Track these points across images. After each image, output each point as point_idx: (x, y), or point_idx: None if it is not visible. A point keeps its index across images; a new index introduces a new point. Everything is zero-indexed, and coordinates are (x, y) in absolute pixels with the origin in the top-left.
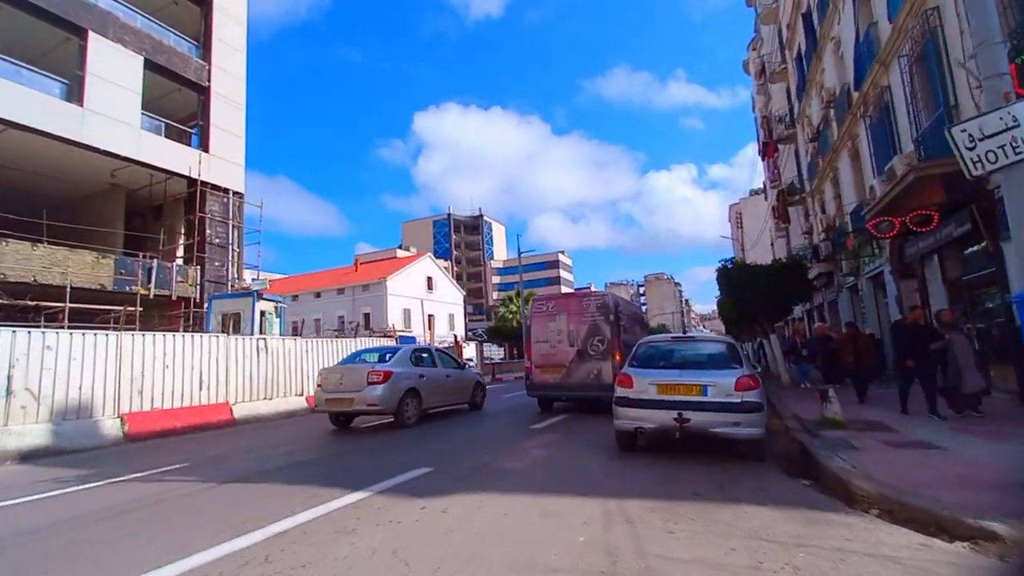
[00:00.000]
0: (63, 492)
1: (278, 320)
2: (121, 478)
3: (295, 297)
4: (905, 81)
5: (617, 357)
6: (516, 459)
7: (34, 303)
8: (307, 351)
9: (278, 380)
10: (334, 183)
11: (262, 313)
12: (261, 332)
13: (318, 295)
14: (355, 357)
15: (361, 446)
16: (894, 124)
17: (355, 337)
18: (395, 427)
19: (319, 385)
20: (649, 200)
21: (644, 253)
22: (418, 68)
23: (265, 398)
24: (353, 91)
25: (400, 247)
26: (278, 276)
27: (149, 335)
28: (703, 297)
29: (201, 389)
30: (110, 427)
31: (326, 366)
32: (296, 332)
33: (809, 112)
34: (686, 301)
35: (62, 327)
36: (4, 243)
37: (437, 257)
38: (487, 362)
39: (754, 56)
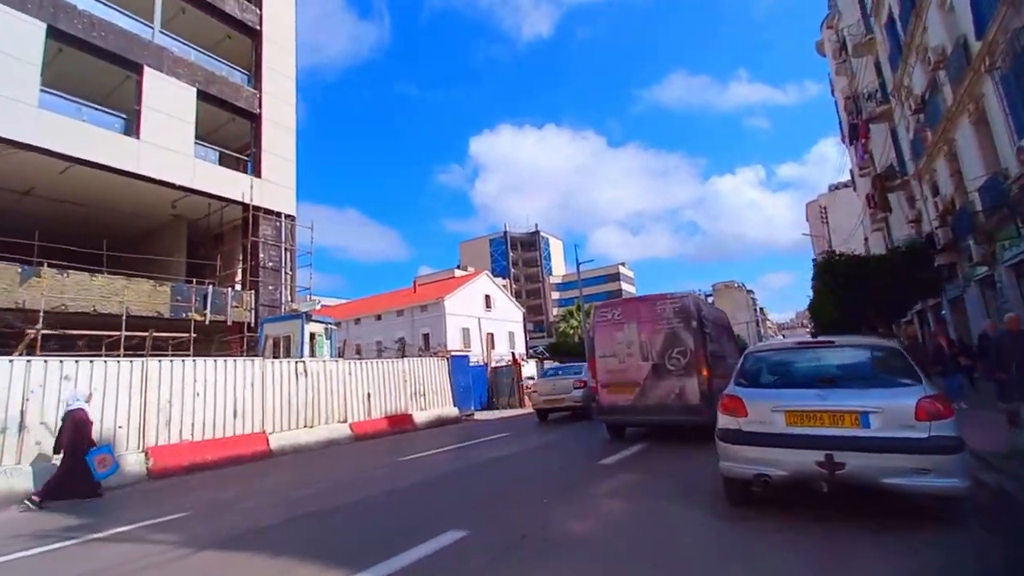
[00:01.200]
0: (27, 554)
1: (328, 342)
2: (100, 534)
3: (357, 321)
4: None
5: (704, 372)
6: (582, 516)
7: (89, 332)
8: (350, 374)
9: (319, 406)
10: (397, 211)
11: (312, 336)
12: (312, 355)
13: (379, 318)
14: (554, 372)
15: (393, 487)
16: None
17: (403, 357)
18: (456, 457)
19: (535, 390)
20: (713, 205)
21: (710, 261)
22: (472, 94)
23: (306, 426)
24: (412, 122)
25: (458, 267)
26: (340, 301)
27: (179, 361)
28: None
29: (236, 418)
30: (133, 463)
31: (371, 390)
32: (358, 355)
33: (909, 82)
34: (760, 310)
35: (82, 355)
36: (65, 274)
37: (495, 275)
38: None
39: (829, 34)
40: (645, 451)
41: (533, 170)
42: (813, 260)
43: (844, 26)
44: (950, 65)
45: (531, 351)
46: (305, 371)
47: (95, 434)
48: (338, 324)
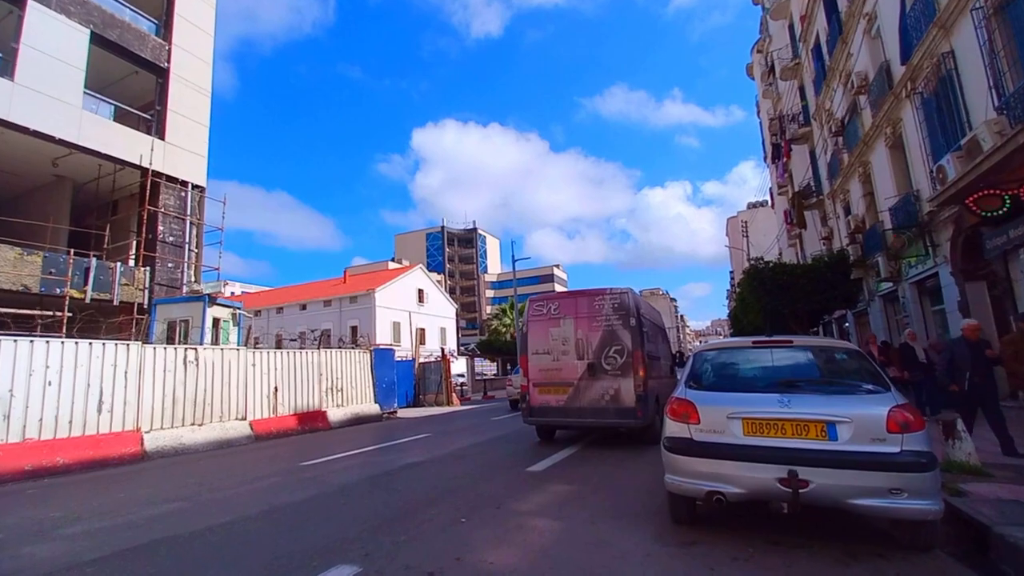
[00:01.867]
0: None
1: (236, 329)
2: None
3: (280, 310)
4: (981, 39)
5: (640, 373)
6: (505, 542)
7: None
8: (253, 365)
9: (212, 401)
10: (332, 197)
11: (215, 321)
12: (216, 343)
13: (304, 307)
14: None
15: (278, 503)
16: (959, 96)
17: (318, 348)
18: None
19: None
20: (644, 216)
21: (639, 269)
22: (418, 85)
23: (193, 424)
24: (354, 107)
25: (392, 260)
26: (264, 288)
27: (24, 341)
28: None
29: (101, 413)
30: None
31: (279, 383)
32: (279, 345)
33: (830, 105)
34: (681, 317)
35: None
36: None
37: (430, 270)
38: (478, 377)
39: (759, 58)
40: (577, 456)
41: (476, 167)
42: (730, 272)
43: (774, 49)
44: (871, 90)
45: (463, 348)
46: (196, 359)
47: None
48: (257, 312)
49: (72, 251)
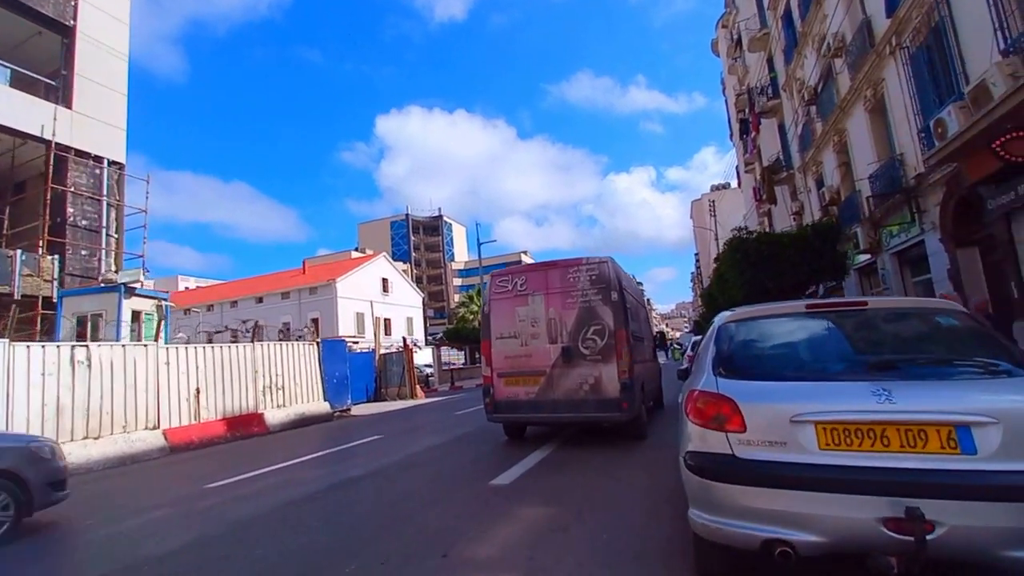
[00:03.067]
0: None
1: (164, 323)
2: None
3: (234, 303)
4: None
5: (625, 357)
6: None
7: None
8: (167, 363)
9: (112, 408)
10: (294, 187)
11: (136, 314)
12: (139, 339)
13: (260, 300)
14: None
15: (139, 556)
16: (953, 46)
17: (252, 342)
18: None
19: None
20: (610, 202)
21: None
22: (380, 70)
23: (87, 437)
24: (314, 93)
25: (356, 249)
26: (218, 282)
27: None
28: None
29: None
30: None
31: (201, 383)
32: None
33: (801, 74)
34: (648, 300)
35: None
36: None
37: (396, 260)
38: (445, 368)
39: (724, 33)
40: (552, 460)
41: (442, 155)
42: (695, 255)
43: (741, 19)
44: (849, 51)
45: (431, 338)
46: (87, 359)
47: None
48: (210, 307)
49: None
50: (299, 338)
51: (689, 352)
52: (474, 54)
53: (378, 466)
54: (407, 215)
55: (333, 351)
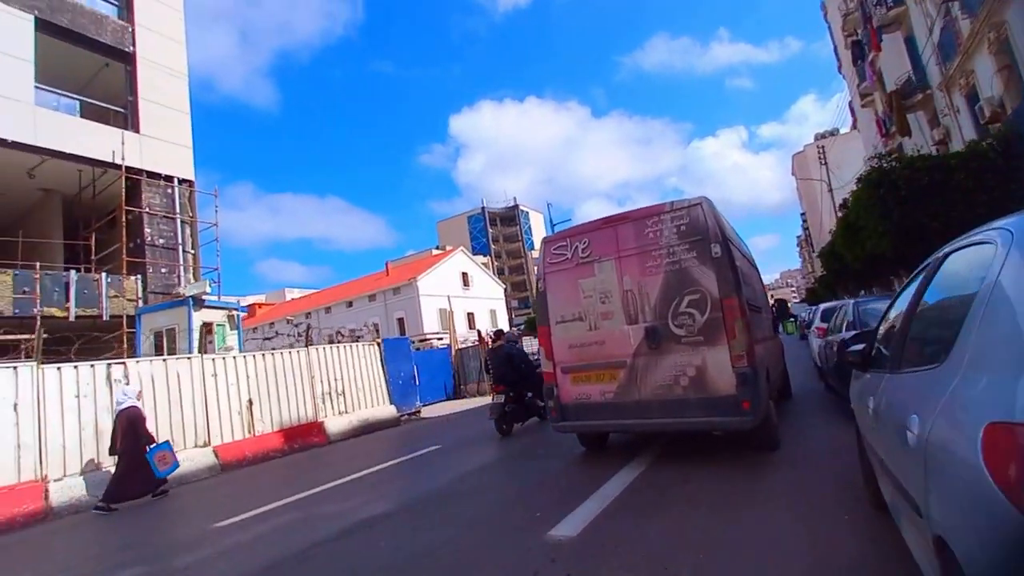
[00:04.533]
0: None
1: (235, 333)
2: None
3: (328, 309)
4: None
5: (741, 337)
6: None
7: None
8: (215, 375)
9: (157, 427)
10: (381, 196)
11: (206, 326)
12: (206, 351)
13: (350, 304)
14: None
15: None
16: None
17: (306, 347)
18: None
19: None
20: (697, 170)
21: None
22: (450, 70)
23: None
24: (390, 102)
25: (436, 247)
26: (310, 291)
27: None
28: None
29: None
30: None
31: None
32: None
33: None
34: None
35: None
36: None
37: (475, 253)
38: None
39: None
40: (640, 492)
41: (516, 145)
42: (802, 214)
43: None
44: None
45: (515, 329)
46: (125, 376)
47: None
48: (308, 315)
49: (39, 264)
50: (357, 339)
51: (819, 324)
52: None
53: (413, 496)
54: (483, 208)
55: (396, 350)
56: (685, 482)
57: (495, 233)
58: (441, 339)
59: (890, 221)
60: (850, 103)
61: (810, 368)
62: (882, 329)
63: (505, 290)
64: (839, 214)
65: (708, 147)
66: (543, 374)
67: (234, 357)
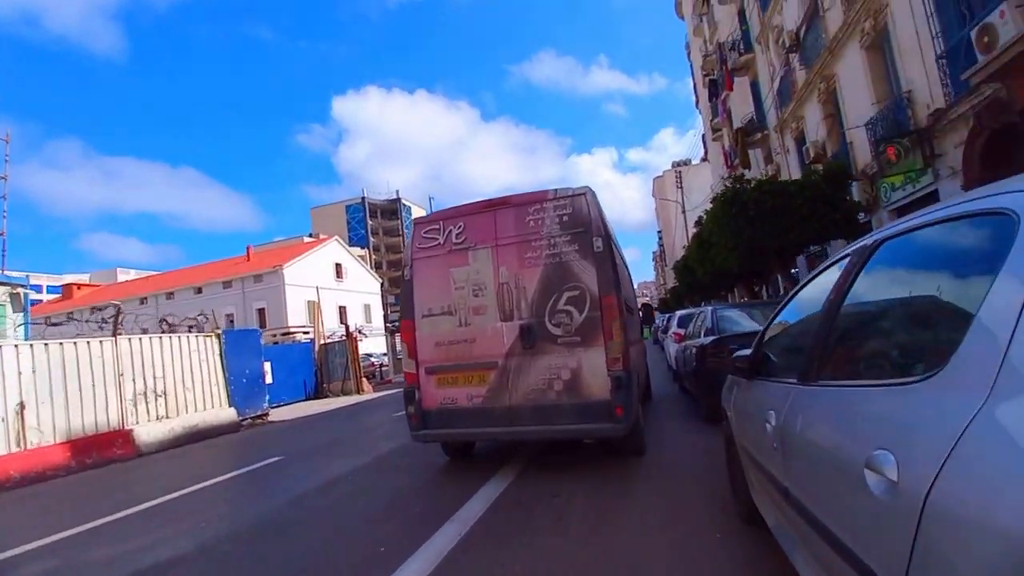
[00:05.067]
0: None
1: (21, 314)
2: None
3: (170, 295)
4: None
5: (616, 337)
6: None
7: None
8: None
9: None
10: (247, 173)
11: None
12: None
13: (199, 291)
14: None
15: None
16: None
17: (114, 336)
18: None
19: None
20: (575, 182)
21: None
22: (337, 49)
23: None
24: (266, 72)
25: (309, 235)
26: (154, 273)
27: None
28: None
29: None
30: None
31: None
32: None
33: (779, 20)
34: None
35: None
36: None
37: (353, 245)
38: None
39: None
40: (505, 511)
41: (403, 137)
42: (658, 232)
43: None
44: None
45: (390, 325)
46: None
47: None
48: (144, 300)
49: None
50: (190, 329)
51: (676, 330)
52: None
53: (226, 530)
54: (363, 198)
55: (242, 344)
56: (554, 496)
57: (375, 225)
58: (308, 333)
59: (740, 239)
60: (703, 136)
61: (665, 371)
62: (772, 334)
63: (382, 284)
64: (694, 230)
65: (584, 163)
66: (405, 375)
67: (8, 349)
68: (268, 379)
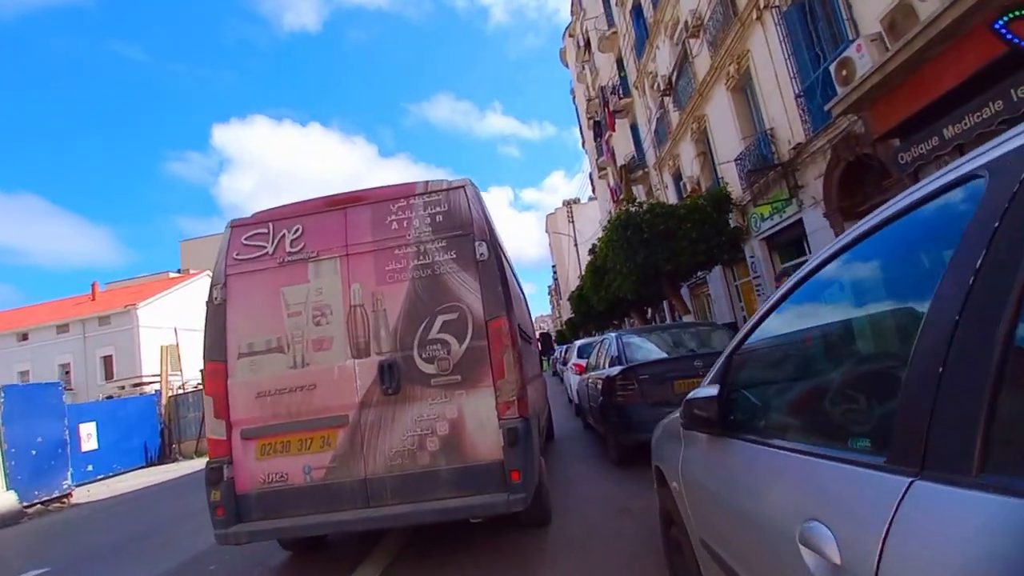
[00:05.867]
0: None
1: None
2: None
3: None
4: None
5: (509, 373)
6: None
7: None
8: None
9: None
10: (107, 202)
11: None
12: None
13: (25, 337)
14: None
15: None
16: None
17: None
18: None
19: None
20: None
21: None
22: (220, 75)
23: None
24: (134, 93)
25: (178, 271)
26: None
27: None
28: None
29: None
30: None
31: None
32: None
33: (653, 67)
34: None
35: None
36: None
37: None
38: None
39: (571, 42)
40: None
41: (294, 171)
42: (553, 267)
43: (589, 19)
44: (708, 28)
45: None
46: None
47: None
48: None
49: None
50: None
51: (577, 360)
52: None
53: None
54: None
55: (33, 403)
56: None
57: None
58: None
59: (634, 262)
60: (590, 174)
61: (565, 404)
62: (747, 362)
63: None
64: (588, 258)
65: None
66: (208, 443)
67: None
68: (90, 445)
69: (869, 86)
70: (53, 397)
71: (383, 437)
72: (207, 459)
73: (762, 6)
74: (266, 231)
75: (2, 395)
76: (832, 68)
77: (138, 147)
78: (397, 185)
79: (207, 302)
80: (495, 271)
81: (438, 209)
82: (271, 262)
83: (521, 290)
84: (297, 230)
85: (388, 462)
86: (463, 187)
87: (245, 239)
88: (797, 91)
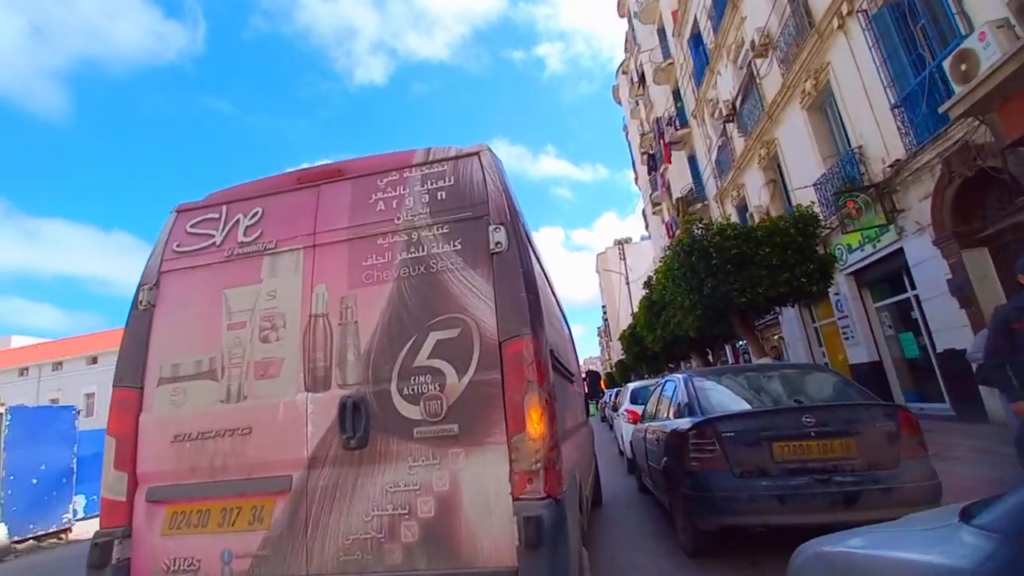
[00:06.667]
0: None
1: None
2: None
3: (58, 365)
4: None
5: (527, 424)
6: None
7: None
8: None
9: None
10: None
11: None
12: None
13: (95, 360)
14: None
15: None
16: None
17: None
18: None
19: None
20: None
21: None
22: (296, 124)
23: None
24: (221, 142)
25: None
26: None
27: None
28: None
29: None
30: None
31: None
32: None
33: (714, 93)
34: None
35: None
36: None
37: None
38: None
39: (624, 79)
40: None
41: None
42: (602, 307)
43: (644, 51)
44: (778, 45)
45: None
46: None
47: None
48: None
49: None
50: None
51: (629, 406)
52: (394, 117)
53: None
54: None
55: (39, 429)
56: None
57: None
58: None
59: (699, 293)
60: (643, 211)
61: (615, 455)
62: None
63: None
64: (644, 292)
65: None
66: (102, 504)
67: None
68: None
69: (1000, 79)
70: (64, 422)
71: (338, 515)
72: (95, 535)
73: (844, 12)
74: (217, 216)
75: (8, 417)
76: (947, 64)
77: (220, 188)
78: (390, 153)
79: (130, 307)
80: (516, 268)
81: (441, 183)
82: (217, 255)
83: (561, 310)
84: (255, 214)
85: (342, 555)
86: (478, 153)
87: (190, 226)
88: (893, 101)
